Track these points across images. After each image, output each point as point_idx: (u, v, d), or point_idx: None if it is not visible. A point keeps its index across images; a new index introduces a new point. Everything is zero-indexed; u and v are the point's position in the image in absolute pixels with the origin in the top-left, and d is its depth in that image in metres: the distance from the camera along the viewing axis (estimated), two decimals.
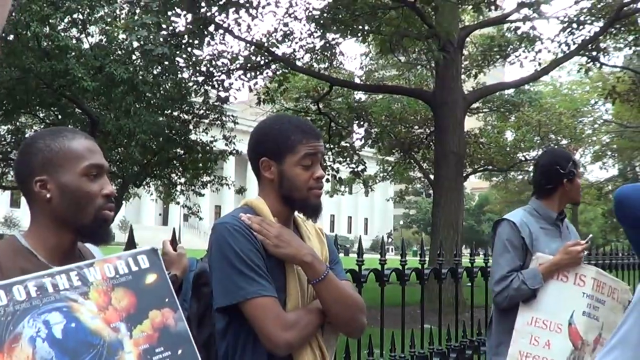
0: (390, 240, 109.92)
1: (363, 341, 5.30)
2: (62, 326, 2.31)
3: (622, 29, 24.60)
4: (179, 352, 2.54)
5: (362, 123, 34.75)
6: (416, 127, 36.14)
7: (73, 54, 18.77)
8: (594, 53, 25.10)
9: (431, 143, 32.06)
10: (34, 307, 2.30)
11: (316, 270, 3.13)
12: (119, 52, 20.02)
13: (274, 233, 3.09)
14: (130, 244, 3.62)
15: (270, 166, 3.25)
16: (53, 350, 2.26)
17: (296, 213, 3.40)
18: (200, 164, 26.05)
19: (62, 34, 19.01)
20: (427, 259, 6.40)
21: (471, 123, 36.90)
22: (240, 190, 31.19)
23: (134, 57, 20.05)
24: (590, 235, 5.25)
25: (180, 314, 2.61)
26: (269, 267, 3.12)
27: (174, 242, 3.28)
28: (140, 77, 19.34)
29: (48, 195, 2.63)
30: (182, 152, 25.07)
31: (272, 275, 3.12)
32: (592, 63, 25.70)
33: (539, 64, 26.69)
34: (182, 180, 27.74)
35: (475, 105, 33.16)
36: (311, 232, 3.44)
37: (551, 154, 5.56)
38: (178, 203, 30.26)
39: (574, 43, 24.59)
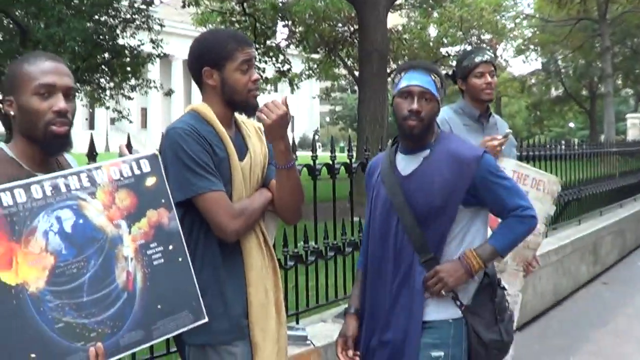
0: (317, 137, 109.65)
1: (298, 234, 5.80)
2: (72, 222, 2.78)
3: None
4: (170, 247, 3.05)
5: (286, 22, 34.69)
6: (340, 25, 36.04)
7: None
8: None
9: (355, 40, 32.14)
10: (49, 204, 2.75)
11: (288, 158, 3.59)
12: None
13: (280, 113, 3.49)
14: (91, 151, 3.99)
15: (212, 74, 3.65)
16: (63, 243, 2.73)
17: (237, 114, 3.81)
18: (129, 68, 25.90)
19: None
20: (354, 154, 6.75)
21: (394, 19, 37.04)
22: (169, 93, 31.22)
23: None
24: (508, 130, 5.43)
25: (174, 213, 3.10)
26: (216, 164, 3.52)
27: (129, 145, 3.55)
28: None
29: (12, 114, 3.05)
30: (110, 56, 24.86)
31: (219, 170, 3.52)
32: None
33: None
34: (111, 84, 27.47)
35: (398, 2, 33.14)
36: (251, 131, 3.84)
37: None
38: (108, 107, 30.04)
39: None
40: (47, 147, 3.03)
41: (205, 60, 3.66)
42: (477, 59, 5.49)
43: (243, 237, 3.58)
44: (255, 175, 3.72)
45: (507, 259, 5.00)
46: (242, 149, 3.69)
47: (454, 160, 3.97)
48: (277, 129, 3.51)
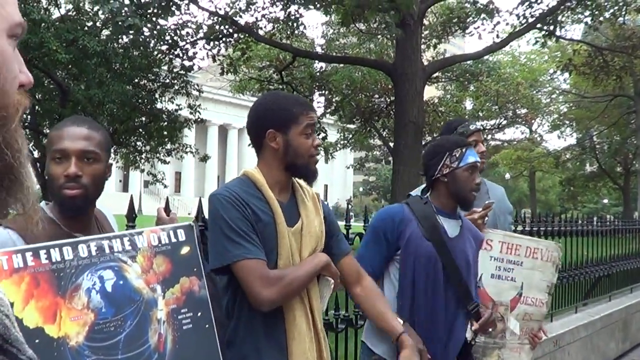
0: (350, 206, 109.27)
1: (329, 302, 5.88)
2: (113, 282, 2.91)
3: (580, 3, 24.60)
4: (199, 314, 3.15)
5: (323, 92, 34.93)
6: (376, 96, 36.07)
7: (44, 25, 18.83)
8: (551, 27, 24.94)
9: (391, 112, 32.10)
10: (93, 263, 2.89)
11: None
12: (88, 24, 20.18)
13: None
14: (131, 213, 4.07)
15: (276, 137, 3.61)
16: (103, 301, 2.86)
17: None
18: (166, 132, 26.00)
19: (32, 4, 18.96)
20: None
21: (430, 92, 37.11)
22: (205, 158, 31.27)
23: (103, 28, 20.21)
24: (487, 202, 5.14)
25: (204, 282, 3.21)
26: (260, 230, 3.48)
27: (167, 209, 3.62)
28: (112, 49, 19.57)
29: (46, 177, 3.23)
30: (148, 120, 25.07)
31: (264, 237, 3.47)
32: (548, 37, 25.67)
33: (497, 36, 26.84)
34: (147, 147, 27.47)
35: (434, 75, 33.17)
36: (308, 197, 3.80)
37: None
38: (142, 170, 30.14)
39: (532, 16, 24.77)
40: (63, 210, 3.18)
41: (270, 122, 3.64)
42: (472, 127, 5.51)
43: (286, 306, 3.52)
44: (310, 242, 3.67)
45: (507, 334, 5.03)
46: (293, 215, 3.65)
47: (472, 233, 4.60)
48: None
